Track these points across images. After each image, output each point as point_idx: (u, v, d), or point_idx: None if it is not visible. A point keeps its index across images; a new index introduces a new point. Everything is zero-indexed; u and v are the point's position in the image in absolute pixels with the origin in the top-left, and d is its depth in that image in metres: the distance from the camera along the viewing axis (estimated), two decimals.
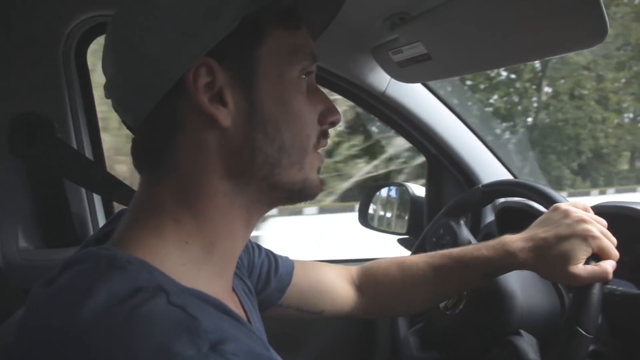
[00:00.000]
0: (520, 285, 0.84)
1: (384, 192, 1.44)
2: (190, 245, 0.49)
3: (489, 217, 1.24)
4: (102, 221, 1.18)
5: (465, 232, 0.97)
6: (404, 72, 1.03)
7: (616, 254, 0.69)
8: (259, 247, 0.81)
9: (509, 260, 0.73)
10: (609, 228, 0.72)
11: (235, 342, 0.37)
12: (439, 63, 0.94)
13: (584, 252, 0.68)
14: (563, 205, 0.74)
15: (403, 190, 1.39)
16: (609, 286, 0.79)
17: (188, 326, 0.37)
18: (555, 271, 0.69)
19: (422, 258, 0.84)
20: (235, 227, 0.52)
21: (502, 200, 1.19)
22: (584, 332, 0.66)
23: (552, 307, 0.86)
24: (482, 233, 1.24)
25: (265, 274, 0.78)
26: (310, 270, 0.84)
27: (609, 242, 0.69)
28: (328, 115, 0.55)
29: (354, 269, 0.89)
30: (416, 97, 1.16)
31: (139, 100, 0.49)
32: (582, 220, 0.70)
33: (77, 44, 1.06)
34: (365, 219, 1.44)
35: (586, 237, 0.68)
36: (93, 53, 1.13)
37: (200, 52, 0.47)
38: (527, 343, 0.78)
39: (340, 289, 0.85)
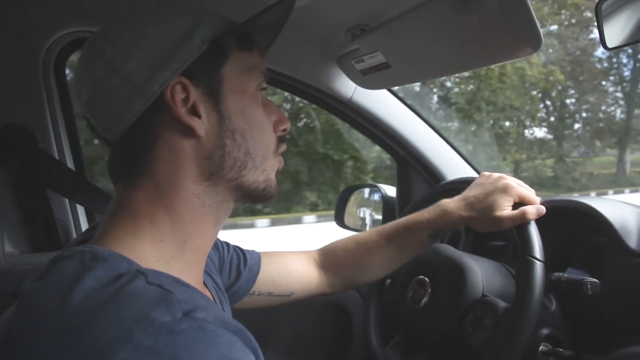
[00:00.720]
0: (474, 261, 0.91)
1: (358, 193, 1.50)
2: (164, 243, 0.55)
3: None
4: (84, 226, 1.22)
5: None
6: (367, 79, 1.10)
7: (535, 199, 0.84)
8: (227, 244, 0.88)
9: (447, 219, 0.86)
10: (559, 221, 0.82)
11: (206, 311, 0.43)
12: (397, 71, 1.01)
13: (506, 201, 0.82)
14: (486, 172, 0.89)
15: (376, 192, 1.45)
16: (555, 274, 0.85)
17: (164, 298, 0.43)
18: (485, 220, 0.83)
19: (375, 230, 0.95)
20: (206, 226, 0.59)
21: None
22: (533, 258, 0.77)
23: (506, 278, 0.93)
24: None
25: (236, 267, 0.86)
26: (275, 257, 0.93)
27: (527, 190, 0.84)
28: (280, 124, 0.64)
29: (314, 251, 0.98)
30: (382, 102, 1.22)
31: (120, 117, 0.55)
32: (502, 178, 0.86)
33: (56, 57, 1.10)
34: (341, 220, 1.49)
35: (506, 189, 0.83)
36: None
37: (177, 71, 0.54)
38: (496, 299, 0.85)
39: (305, 269, 0.94)
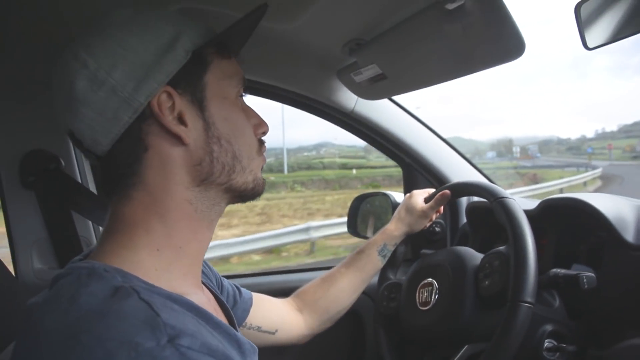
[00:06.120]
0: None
1: (368, 201, 1.53)
2: (161, 251, 0.56)
3: (464, 219, 1.32)
4: None
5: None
6: (366, 91, 1.14)
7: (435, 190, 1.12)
8: (222, 277, 0.92)
9: (388, 234, 1.09)
10: (560, 218, 0.89)
11: (192, 337, 0.45)
12: (392, 81, 1.05)
13: (419, 200, 1.10)
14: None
15: (385, 199, 1.47)
16: (553, 270, 0.85)
17: (151, 322, 0.43)
18: (417, 220, 1.09)
19: (338, 265, 1.10)
20: (200, 231, 0.62)
21: (470, 201, 1.27)
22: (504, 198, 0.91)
23: None
24: (460, 232, 1.32)
25: (232, 296, 0.91)
26: (262, 297, 0.99)
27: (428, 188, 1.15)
28: (259, 127, 0.67)
29: (289, 298, 1.05)
30: (384, 111, 1.27)
31: (108, 129, 0.55)
32: (408, 194, 1.14)
33: None
34: (354, 228, 1.52)
35: (412, 195, 1.12)
36: None
37: (162, 82, 0.56)
38: (496, 249, 0.90)
39: (285, 311, 1.01)
